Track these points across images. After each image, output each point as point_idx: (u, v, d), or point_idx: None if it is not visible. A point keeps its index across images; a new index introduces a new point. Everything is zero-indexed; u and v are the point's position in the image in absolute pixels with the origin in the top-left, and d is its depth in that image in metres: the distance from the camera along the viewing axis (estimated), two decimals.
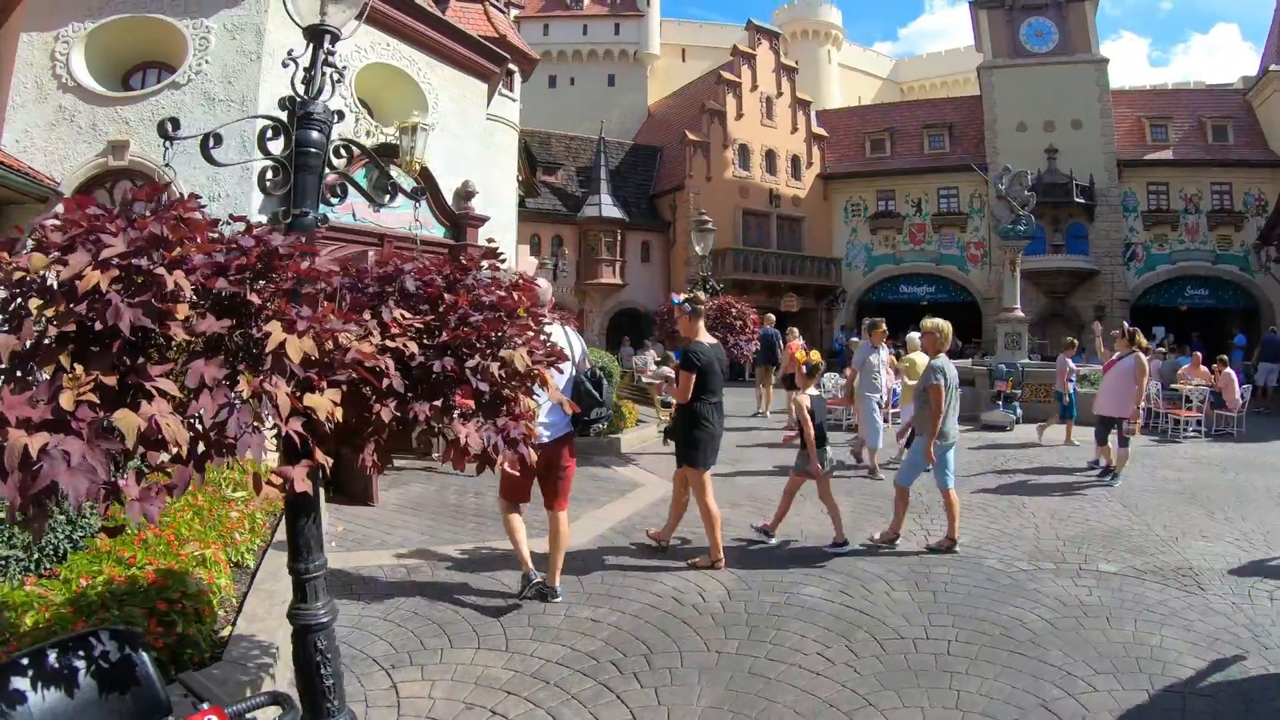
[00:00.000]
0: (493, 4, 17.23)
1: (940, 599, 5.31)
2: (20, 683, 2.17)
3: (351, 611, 5.10)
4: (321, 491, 7.66)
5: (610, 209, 30.89)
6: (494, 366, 2.51)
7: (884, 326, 10.57)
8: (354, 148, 3.14)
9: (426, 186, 11.41)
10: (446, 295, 2.64)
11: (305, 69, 2.91)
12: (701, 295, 7.21)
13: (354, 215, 10.59)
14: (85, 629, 2.81)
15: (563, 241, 30.18)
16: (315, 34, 2.93)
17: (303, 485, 2.07)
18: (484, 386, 2.47)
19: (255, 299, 2.05)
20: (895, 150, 34.12)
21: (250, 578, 5.14)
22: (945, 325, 6.90)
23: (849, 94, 52.15)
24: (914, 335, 10.97)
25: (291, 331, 1.98)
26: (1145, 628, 4.83)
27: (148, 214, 2.10)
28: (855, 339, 18.99)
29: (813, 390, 6.88)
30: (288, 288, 2.13)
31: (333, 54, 2.95)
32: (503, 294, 2.72)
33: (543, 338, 2.96)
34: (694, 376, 5.97)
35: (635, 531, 7.02)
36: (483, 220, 12.21)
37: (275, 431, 2.12)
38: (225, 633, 4.24)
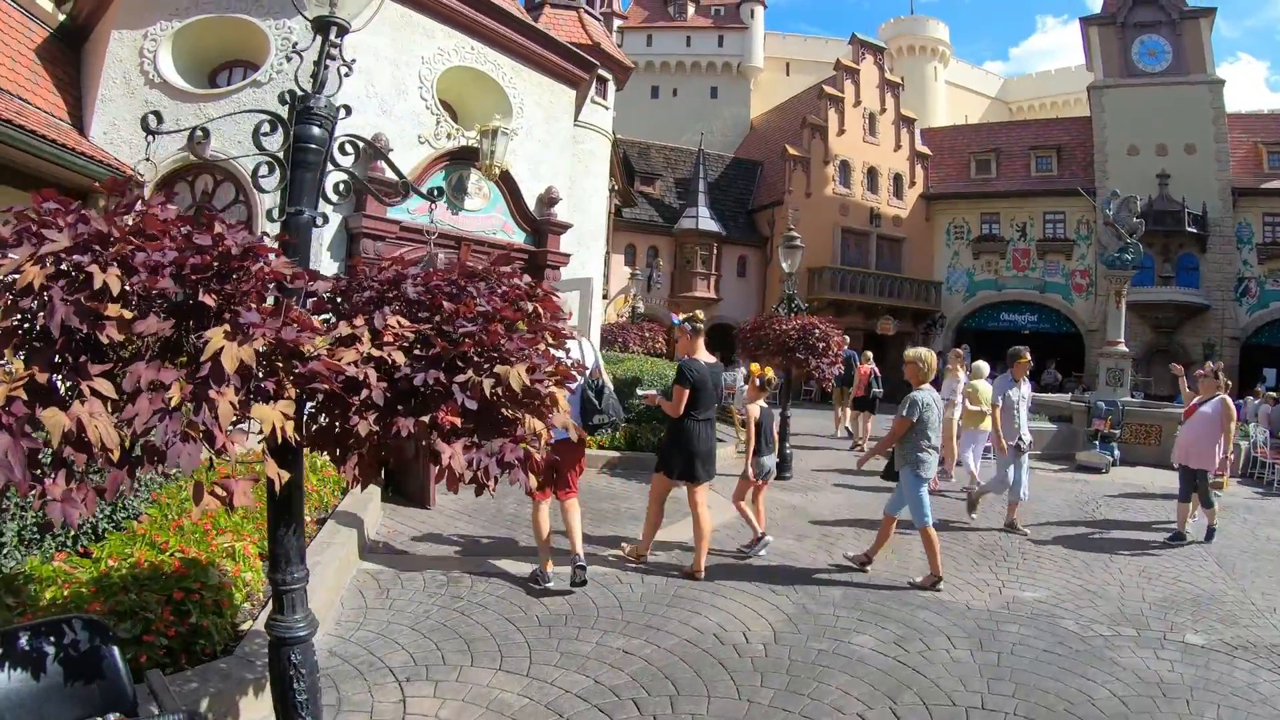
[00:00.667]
0: (587, 11, 17.14)
1: (1004, 662, 4.84)
2: None
3: (381, 617, 5.00)
4: (377, 491, 7.76)
5: (707, 222, 30.68)
6: (486, 383, 2.29)
7: (1027, 356, 9.11)
8: (360, 144, 2.94)
9: (505, 187, 11.44)
10: (447, 304, 2.44)
11: (313, 62, 2.75)
12: (700, 315, 6.90)
13: (430, 218, 10.56)
14: (59, 615, 2.77)
15: (658, 253, 30.16)
16: (322, 26, 2.79)
17: (241, 499, 1.90)
18: (471, 404, 2.26)
19: (209, 301, 1.88)
20: (1000, 171, 32.89)
21: None
22: (929, 355, 6.69)
23: (955, 113, 50.66)
24: (981, 363, 11.39)
25: (234, 338, 1.81)
26: (1228, 715, 4.31)
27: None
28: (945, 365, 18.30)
29: (763, 403, 7.26)
30: (245, 288, 1.95)
31: (337, 46, 2.77)
32: (501, 303, 2.49)
33: (559, 354, 2.73)
34: (687, 392, 6.19)
35: (690, 556, 6.67)
36: (565, 227, 12.12)
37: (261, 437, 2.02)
38: (246, 626, 4.16)
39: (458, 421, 2.26)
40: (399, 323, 2.34)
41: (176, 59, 9.61)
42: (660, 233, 30.55)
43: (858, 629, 5.31)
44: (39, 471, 1.75)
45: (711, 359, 6.63)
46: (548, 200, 11.93)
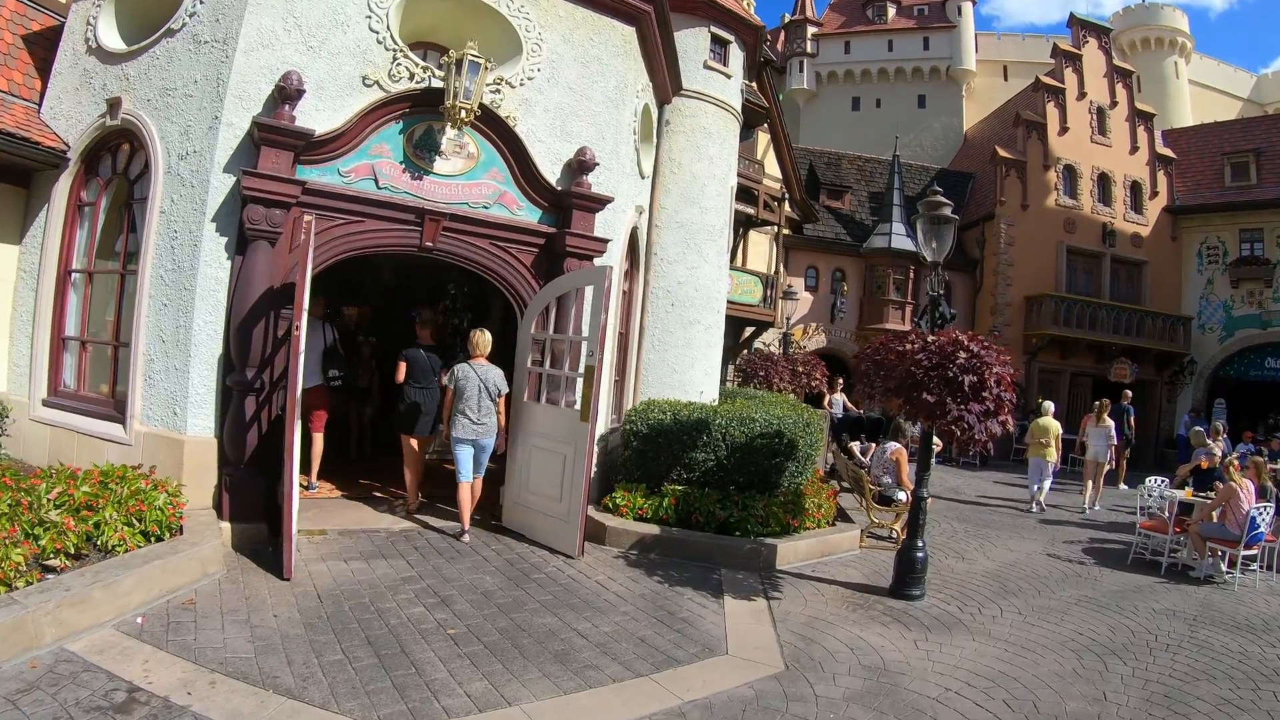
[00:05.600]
0: None
1: None
2: None
3: None
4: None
5: (902, 240, 25.09)
6: None
7: None
8: None
9: (505, 146, 8.40)
10: None
11: None
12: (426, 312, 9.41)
13: (376, 183, 7.78)
14: None
15: (844, 275, 25.75)
16: None
17: None
18: None
19: None
20: (1263, 176, 26.09)
21: None
22: (483, 337, 8.27)
23: (1201, 117, 42.47)
24: (1048, 403, 14.59)
25: None
26: None
27: None
28: (1199, 428, 14.80)
29: None
30: None
31: None
32: None
33: None
34: (403, 365, 8.60)
35: None
36: (600, 203, 8.87)
37: None
38: None
39: None
40: None
41: (120, 23, 8.46)
42: (847, 253, 26.06)
43: None
44: None
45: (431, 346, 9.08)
46: (578, 165, 8.70)
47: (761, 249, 23.34)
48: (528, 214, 8.71)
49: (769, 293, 21.52)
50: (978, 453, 10.61)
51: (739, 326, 21.95)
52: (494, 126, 8.34)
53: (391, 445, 9.68)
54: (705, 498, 8.64)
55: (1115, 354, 24.98)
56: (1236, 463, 9.61)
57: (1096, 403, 15.52)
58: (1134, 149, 26.69)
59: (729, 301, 20.10)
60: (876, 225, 26.08)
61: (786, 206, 23.12)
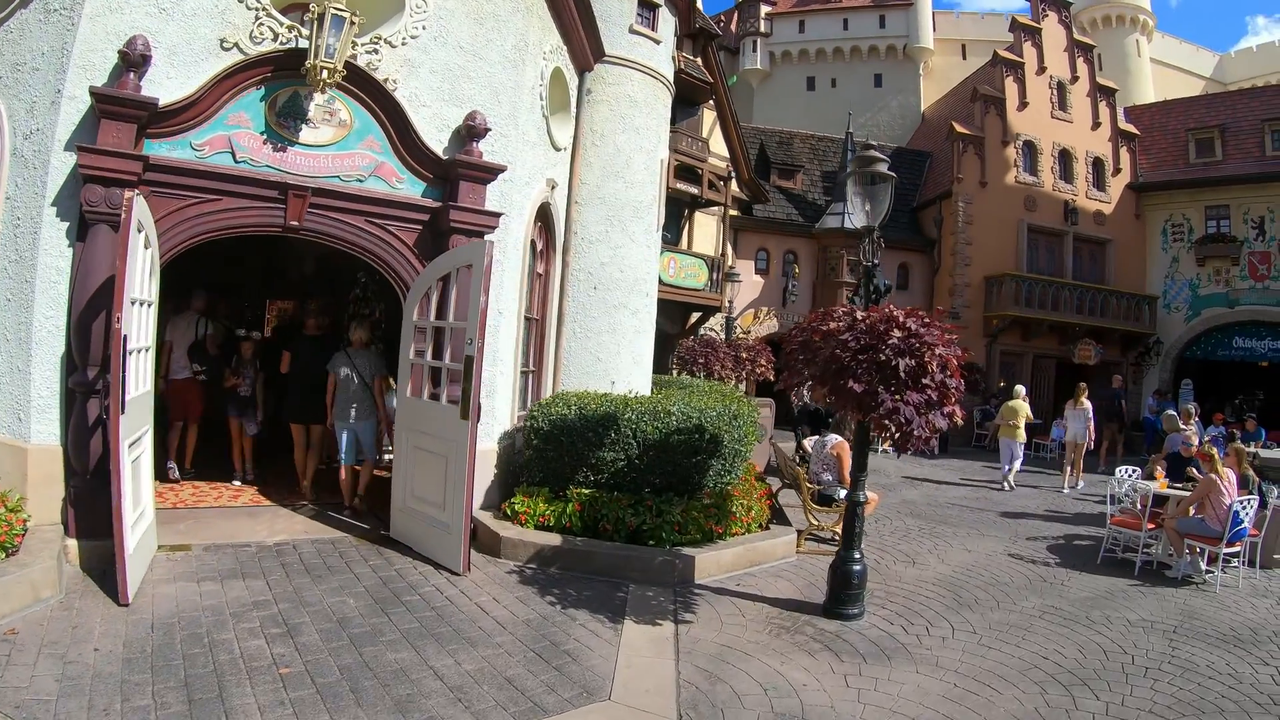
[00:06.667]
0: None
1: None
2: None
3: None
4: None
5: (856, 219, 24.02)
6: None
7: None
8: None
9: (382, 112, 7.35)
10: None
11: None
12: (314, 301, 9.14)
13: (233, 156, 6.66)
14: None
15: (796, 258, 24.64)
16: None
17: None
18: None
19: None
20: (1228, 152, 25.30)
21: None
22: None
23: (1163, 95, 41.31)
24: (1020, 386, 15.67)
25: None
26: None
27: None
28: (1171, 411, 14.60)
29: None
30: None
31: None
32: None
33: None
34: (287, 354, 8.79)
35: None
36: (490, 172, 7.75)
37: None
38: None
39: None
40: None
41: None
42: (799, 234, 24.97)
43: None
44: None
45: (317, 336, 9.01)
46: (468, 132, 7.56)
47: (709, 231, 22.20)
48: (409, 187, 7.66)
49: (715, 276, 20.40)
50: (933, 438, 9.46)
51: (685, 312, 20.93)
52: (369, 90, 7.30)
53: (281, 459, 9.42)
54: (615, 503, 7.49)
55: (1079, 335, 24.18)
56: (1215, 451, 8.59)
57: (1077, 386, 15.64)
58: (1096, 125, 25.82)
59: (672, 286, 19.17)
60: (830, 205, 24.94)
61: (734, 186, 22.06)
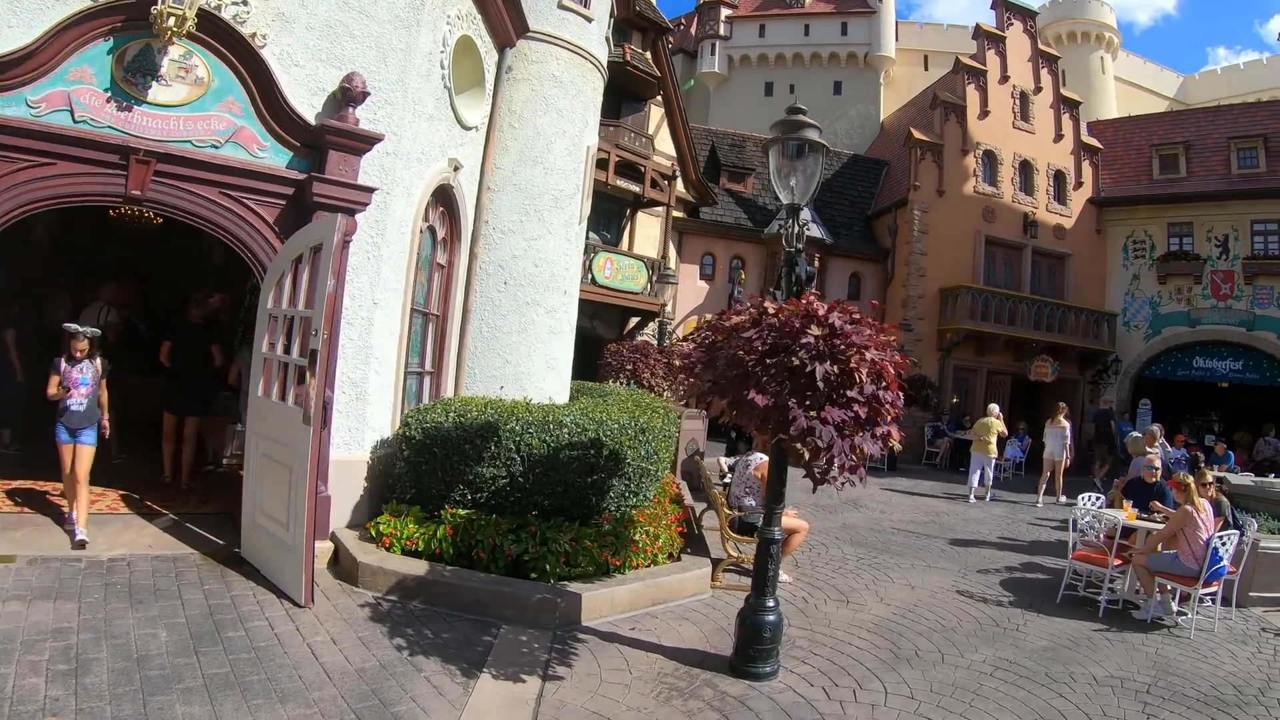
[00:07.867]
0: None
1: None
2: None
3: None
4: None
5: (808, 226, 23.39)
6: None
7: None
8: None
9: (245, 70, 6.19)
10: None
11: None
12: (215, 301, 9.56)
13: (72, 114, 5.68)
14: None
15: (744, 263, 23.57)
16: None
17: None
18: None
19: None
20: (1192, 169, 24.62)
21: None
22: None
23: (1126, 113, 41.62)
24: (993, 405, 16.10)
25: None
26: None
27: None
28: (1132, 431, 15.13)
29: None
30: None
31: None
32: None
33: None
34: (165, 345, 8.44)
35: None
36: (366, 141, 6.63)
37: None
38: None
39: None
40: None
41: None
42: (749, 239, 24.00)
43: None
44: None
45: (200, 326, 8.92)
46: (342, 95, 6.44)
47: (652, 232, 21.09)
48: (273, 156, 6.58)
49: (655, 279, 19.29)
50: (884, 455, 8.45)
51: (624, 316, 19.86)
52: (232, 45, 6.31)
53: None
54: (493, 527, 6.28)
55: (1036, 351, 23.22)
56: (1190, 480, 7.57)
57: (1057, 405, 16.41)
58: (1058, 137, 25.05)
59: (609, 289, 18.03)
60: (780, 210, 23.86)
61: (680, 186, 20.98)
